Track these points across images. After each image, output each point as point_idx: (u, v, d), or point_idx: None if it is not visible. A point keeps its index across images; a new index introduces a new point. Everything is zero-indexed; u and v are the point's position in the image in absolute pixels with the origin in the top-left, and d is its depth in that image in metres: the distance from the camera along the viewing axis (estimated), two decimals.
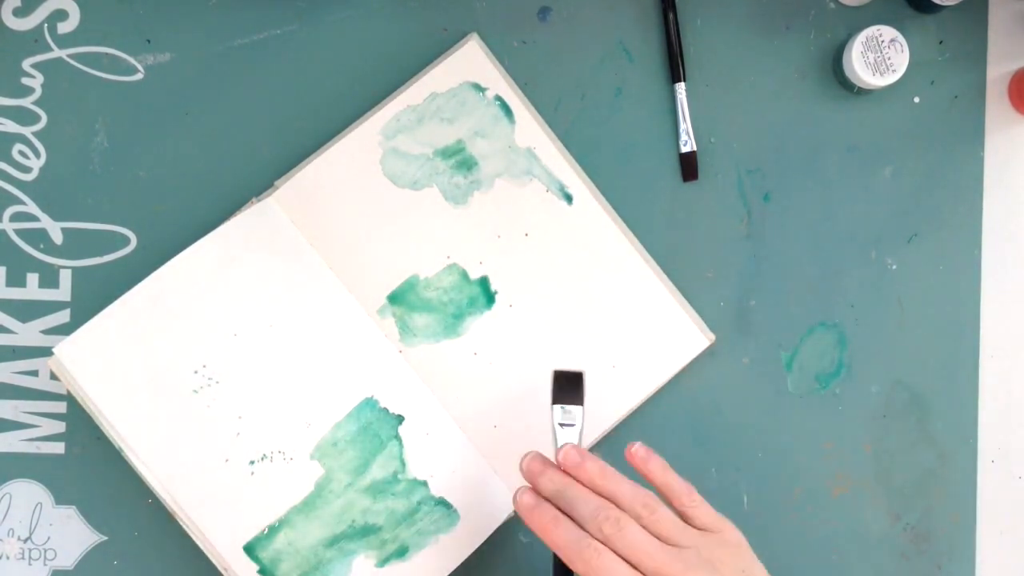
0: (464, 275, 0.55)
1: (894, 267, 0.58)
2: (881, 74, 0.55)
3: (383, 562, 0.52)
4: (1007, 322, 0.58)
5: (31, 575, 0.55)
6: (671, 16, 0.56)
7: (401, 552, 0.52)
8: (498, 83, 0.55)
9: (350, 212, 0.54)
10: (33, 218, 0.55)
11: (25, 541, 0.55)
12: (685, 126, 0.57)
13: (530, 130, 0.55)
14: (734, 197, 0.57)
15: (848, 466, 0.57)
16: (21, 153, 0.55)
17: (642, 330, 0.55)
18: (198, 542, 0.52)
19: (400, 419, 0.53)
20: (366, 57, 0.57)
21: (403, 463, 0.53)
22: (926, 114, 0.58)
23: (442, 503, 0.53)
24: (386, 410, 0.53)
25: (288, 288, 0.53)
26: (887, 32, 0.55)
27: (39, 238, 0.55)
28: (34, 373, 0.55)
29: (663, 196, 0.57)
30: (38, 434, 0.55)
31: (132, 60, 0.56)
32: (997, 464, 0.58)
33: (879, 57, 0.55)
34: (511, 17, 0.57)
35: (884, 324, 0.58)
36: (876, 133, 0.58)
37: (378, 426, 0.53)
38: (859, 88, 0.56)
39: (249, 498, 0.52)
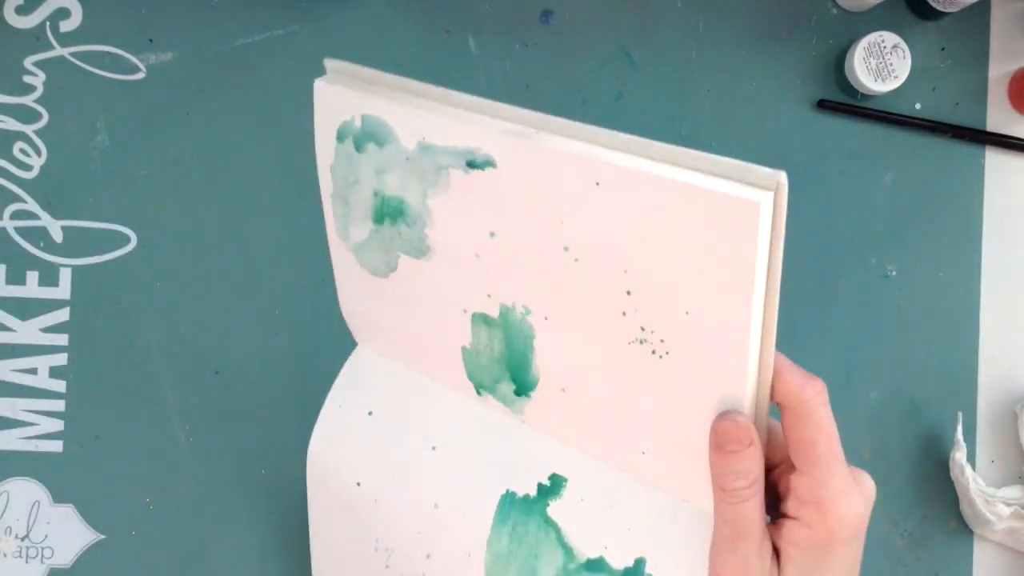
0: (486, 320, 0.44)
1: (894, 273, 0.58)
2: (883, 80, 0.55)
3: None
4: (1006, 329, 0.58)
5: (28, 573, 0.55)
6: None
7: None
8: (361, 102, 0.41)
9: (390, 330, 0.48)
10: (33, 216, 0.55)
11: (22, 539, 0.55)
12: None
13: (411, 124, 0.41)
14: None
15: None
16: (22, 151, 0.55)
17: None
18: None
19: (544, 498, 0.43)
20: (368, 58, 0.56)
21: (567, 549, 0.41)
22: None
23: (631, 572, 0.41)
24: (527, 496, 0.43)
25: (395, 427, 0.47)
26: (889, 38, 0.55)
27: (39, 236, 0.55)
28: (33, 371, 0.55)
29: None
30: (36, 432, 0.55)
31: (134, 59, 0.56)
32: (996, 465, 0.58)
33: (881, 63, 0.55)
34: (513, 20, 0.57)
35: (884, 330, 0.58)
36: (877, 139, 0.58)
37: (524, 519, 0.43)
38: (861, 94, 0.56)
39: None
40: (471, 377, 0.45)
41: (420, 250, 0.43)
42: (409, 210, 0.43)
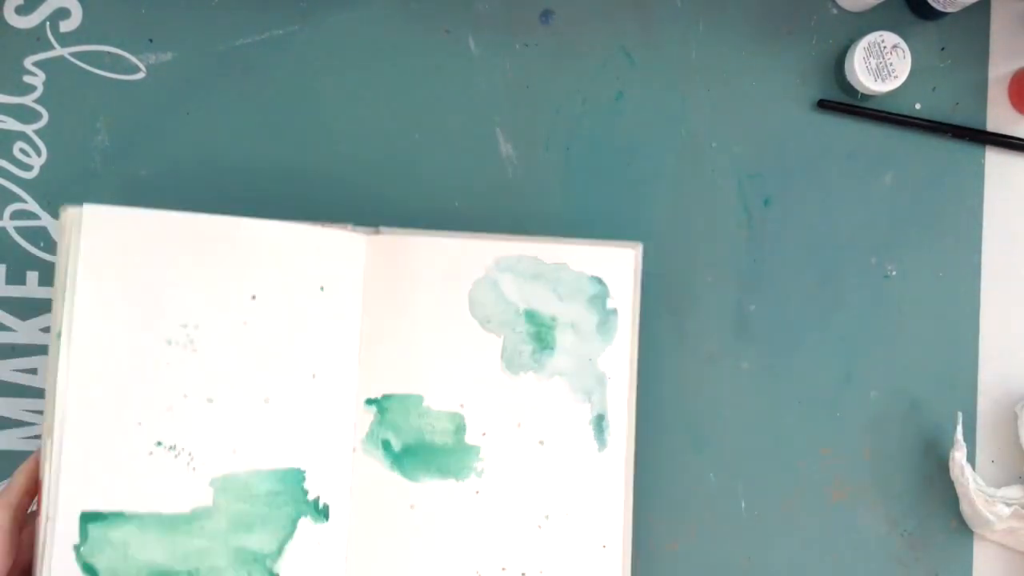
0: (461, 430, 0.50)
1: (894, 273, 0.58)
2: (883, 80, 0.55)
3: None
4: (1006, 328, 0.58)
5: None
6: None
7: None
8: (624, 302, 0.52)
9: (415, 301, 0.50)
10: (33, 216, 0.55)
11: None
12: None
13: (616, 361, 0.51)
14: (734, 201, 0.57)
15: (846, 472, 0.57)
16: (22, 151, 0.55)
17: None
18: (43, 473, 0.44)
19: (310, 512, 0.47)
20: (368, 58, 0.57)
21: (279, 552, 0.46)
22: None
23: None
24: (306, 493, 0.47)
25: (311, 320, 0.48)
26: (889, 38, 0.55)
27: (39, 236, 0.55)
28: (33, 371, 0.55)
29: (663, 199, 0.57)
30: (37, 432, 0.55)
31: (134, 59, 0.56)
32: (996, 465, 0.58)
33: (881, 63, 0.55)
34: (513, 19, 0.57)
35: (883, 330, 0.58)
36: (877, 139, 0.58)
37: (286, 502, 0.46)
38: (861, 94, 0.56)
39: (127, 472, 0.44)
40: (387, 399, 0.50)
41: None
42: (546, 353, 0.52)
